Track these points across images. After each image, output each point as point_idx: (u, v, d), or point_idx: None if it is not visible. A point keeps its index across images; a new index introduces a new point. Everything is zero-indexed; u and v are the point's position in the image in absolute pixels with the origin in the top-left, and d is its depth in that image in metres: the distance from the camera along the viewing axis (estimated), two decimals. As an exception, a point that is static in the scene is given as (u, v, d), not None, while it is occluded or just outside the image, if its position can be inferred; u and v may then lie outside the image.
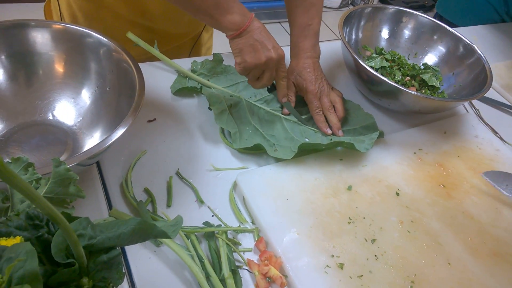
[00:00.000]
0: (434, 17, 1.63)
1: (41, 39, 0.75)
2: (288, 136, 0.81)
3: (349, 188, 0.75)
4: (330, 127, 0.84)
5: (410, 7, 3.68)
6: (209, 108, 0.84)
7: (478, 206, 0.77)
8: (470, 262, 0.68)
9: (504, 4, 1.40)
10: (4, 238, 0.30)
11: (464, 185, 0.80)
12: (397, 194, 0.76)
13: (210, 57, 0.94)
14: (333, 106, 0.85)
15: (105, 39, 0.72)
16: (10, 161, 0.43)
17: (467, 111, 1.01)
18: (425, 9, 3.49)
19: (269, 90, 0.86)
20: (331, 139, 0.81)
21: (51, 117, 0.76)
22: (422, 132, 0.90)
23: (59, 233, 0.32)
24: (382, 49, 1.05)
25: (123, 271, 0.36)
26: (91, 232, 0.34)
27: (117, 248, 0.35)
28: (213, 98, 0.83)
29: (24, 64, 0.75)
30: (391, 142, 0.86)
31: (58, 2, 0.98)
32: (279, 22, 3.03)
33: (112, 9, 0.92)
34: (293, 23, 0.87)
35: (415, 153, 0.85)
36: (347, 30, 1.00)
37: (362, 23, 1.04)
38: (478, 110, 1.01)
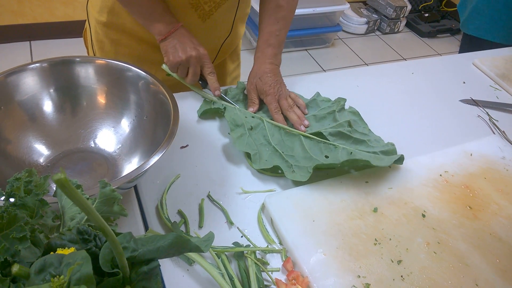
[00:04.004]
0: (462, 39, 1.63)
1: (85, 73, 0.82)
2: (306, 155, 0.83)
3: (375, 210, 0.77)
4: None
5: (437, 31, 3.66)
6: (229, 133, 0.88)
7: (506, 227, 0.77)
8: (498, 284, 0.68)
9: None
10: (60, 248, 0.35)
11: (492, 206, 0.81)
12: (423, 215, 0.77)
13: (234, 86, 0.99)
14: (294, 105, 0.92)
15: (144, 73, 0.79)
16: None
17: (494, 133, 1.02)
18: (452, 32, 3.49)
19: (203, 86, 0.96)
20: (351, 152, 0.82)
21: (92, 145, 0.83)
22: (448, 154, 0.91)
23: (106, 245, 0.36)
24: None
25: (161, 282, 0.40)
26: (133, 245, 0.38)
27: (156, 260, 0.39)
28: (235, 121, 0.87)
29: (70, 96, 0.82)
30: (416, 164, 0.88)
31: (90, 30, 1.08)
32: (305, 50, 3.10)
33: (135, 35, 1.00)
34: (262, 30, 0.95)
35: (441, 175, 0.86)
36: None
37: None
38: (504, 132, 1.01)
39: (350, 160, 0.80)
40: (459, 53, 1.55)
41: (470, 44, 1.56)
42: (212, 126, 0.93)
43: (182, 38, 0.89)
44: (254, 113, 0.92)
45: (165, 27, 0.88)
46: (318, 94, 1.00)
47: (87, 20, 1.09)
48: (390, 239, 0.72)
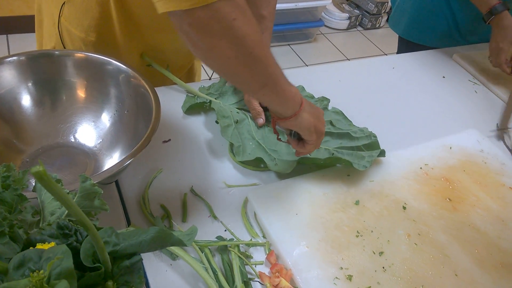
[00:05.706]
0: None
1: (64, 67, 0.80)
2: (289, 151, 0.84)
3: (357, 202, 0.78)
4: None
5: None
6: (216, 122, 0.88)
7: (484, 218, 0.79)
8: (477, 274, 0.69)
9: (448, 10, 1.35)
10: (40, 243, 0.34)
11: (470, 198, 0.82)
12: (404, 208, 0.79)
13: (216, 80, 0.99)
14: None
15: (124, 66, 0.78)
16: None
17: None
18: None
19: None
20: (332, 154, 0.83)
21: (72, 139, 0.81)
22: (428, 147, 0.93)
23: (88, 240, 0.36)
24: None
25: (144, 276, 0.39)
26: (115, 239, 0.37)
27: (138, 254, 0.38)
28: (221, 112, 0.87)
29: (49, 90, 0.80)
30: (397, 157, 0.89)
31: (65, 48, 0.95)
32: (288, 45, 3.10)
33: (129, 47, 0.92)
34: None
35: (421, 168, 0.88)
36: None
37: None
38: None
39: (333, 158, 0.81)
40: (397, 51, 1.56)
41: (401, 42, 1.54)
42: (195, 121, 0.92)
43: (308, 102, 0.72)
44: (260, 126, 0.89)
45: (296, 89, 0.69)
46: (302, 87, 1.00)
47: (57, 38, 0.93)
48: (372, 231, 0.73)
